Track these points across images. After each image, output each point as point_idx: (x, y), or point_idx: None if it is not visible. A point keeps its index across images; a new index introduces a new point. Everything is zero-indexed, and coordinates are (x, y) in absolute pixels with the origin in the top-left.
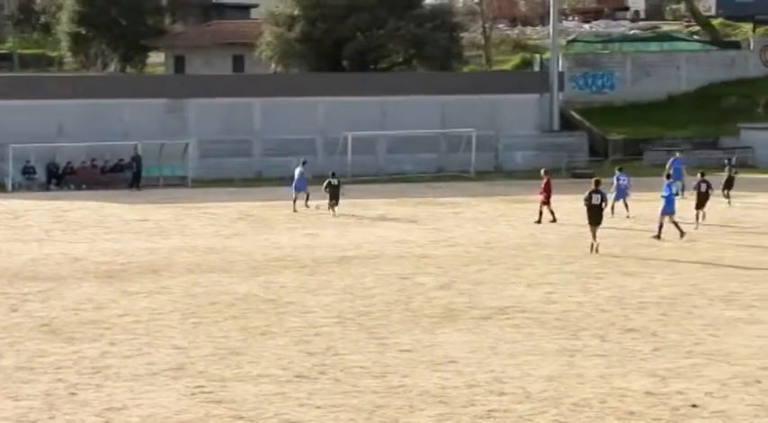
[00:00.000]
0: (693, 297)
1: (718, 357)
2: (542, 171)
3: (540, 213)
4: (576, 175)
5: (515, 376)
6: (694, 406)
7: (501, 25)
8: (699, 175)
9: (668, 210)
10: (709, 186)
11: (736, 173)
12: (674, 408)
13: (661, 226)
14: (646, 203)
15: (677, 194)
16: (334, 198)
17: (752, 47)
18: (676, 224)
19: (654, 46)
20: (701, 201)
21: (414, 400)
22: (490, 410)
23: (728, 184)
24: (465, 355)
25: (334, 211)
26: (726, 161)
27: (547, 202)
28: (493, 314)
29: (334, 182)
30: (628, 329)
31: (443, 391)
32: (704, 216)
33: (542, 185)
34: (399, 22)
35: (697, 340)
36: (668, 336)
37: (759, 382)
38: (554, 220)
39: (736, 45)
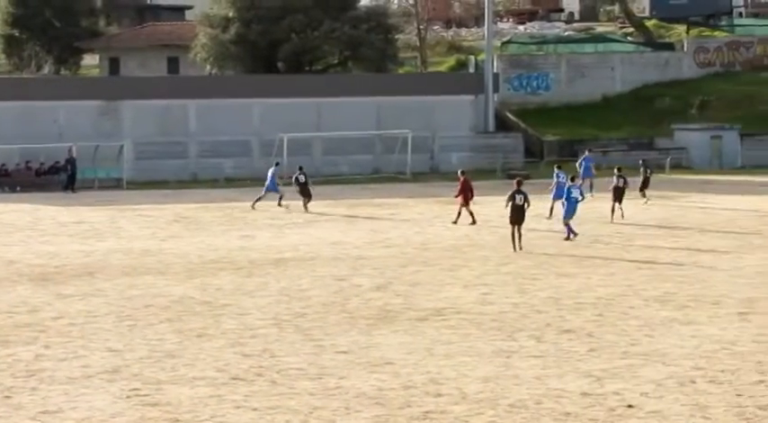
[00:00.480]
0: (629, 298)
1: (654, 358)
2: (459, 172)
3: (458, 214)
4: (511, 176)
5: (452, 377)
6: (630, 406)
7: (436, 27)
8: (616, 170)
9: (569, 214)
10: (625, 182)
11: (650, 173)
12: (611, 408)
13: (571, 226)
14: (581, 205)
15: (582, 198)
16: (304, 194)
17: (685, 48)
18: (570, 227)
19: (588, 47)
20: (618, 195)
21: (350, 402)
22: (426, 412)
23: (644, 185)
24: (401, 357)
25: (307, 207)
26: (641, 162)
27: (466, 203)
28: (429, 315)
29: (302, 178)
30: (564, 330)
31: (380, 393)
32: (622, 213)
33: (458, 186)
34: (334, 24)
35: (633, 341)
36: (604, 336)
37: (694, 382)
38: (473, 223)
39: (669, 46)
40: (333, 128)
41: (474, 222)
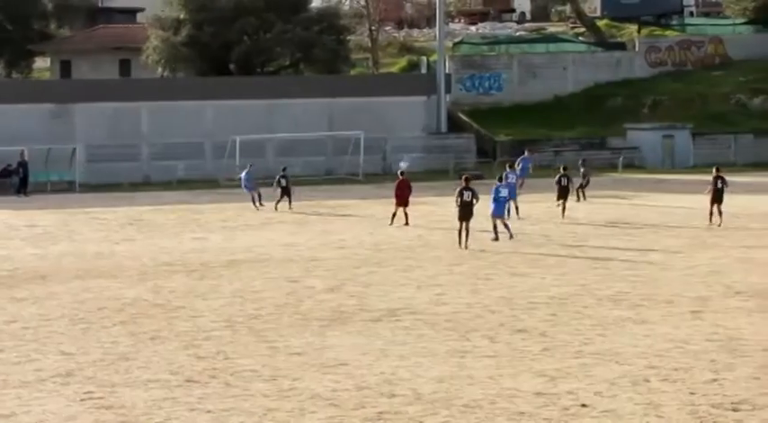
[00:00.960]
0: (582, 297)
1: (607, 357)
2: (399, 172)
3: (405, 215)
4: (466, 177)
5: (406, 378)
6: (584, 405)
7: (388, 28)
8: (561, 168)
9: (497, 212)
10: (569, 180)
11: (588, 173)
12: (564, 407)
13: (499, 225)
14: (536, 204)
15: (508, 199)
16: (285, 194)
17: (637, 48)
18: (506, 226)
19: (540, 47)
20: (563, 193)
21: (304, 403)
22: (380, 412)
23: (583, 184)
24: (355, 358)
25: (278, 206)
26: (580, 162)
27: (401, 203)
28: (383, 316)
29: (283, 182)
30: (517, 330)
31: (334, 394)
32: (563, 210)
33: (395, 185)
34: (286, 26)
35: (586, 340)
36: (558, 336)
37: (647, 380)
38: (404, 224)
39: (621, 46)
40: (285, 129)
41: (392, 224)
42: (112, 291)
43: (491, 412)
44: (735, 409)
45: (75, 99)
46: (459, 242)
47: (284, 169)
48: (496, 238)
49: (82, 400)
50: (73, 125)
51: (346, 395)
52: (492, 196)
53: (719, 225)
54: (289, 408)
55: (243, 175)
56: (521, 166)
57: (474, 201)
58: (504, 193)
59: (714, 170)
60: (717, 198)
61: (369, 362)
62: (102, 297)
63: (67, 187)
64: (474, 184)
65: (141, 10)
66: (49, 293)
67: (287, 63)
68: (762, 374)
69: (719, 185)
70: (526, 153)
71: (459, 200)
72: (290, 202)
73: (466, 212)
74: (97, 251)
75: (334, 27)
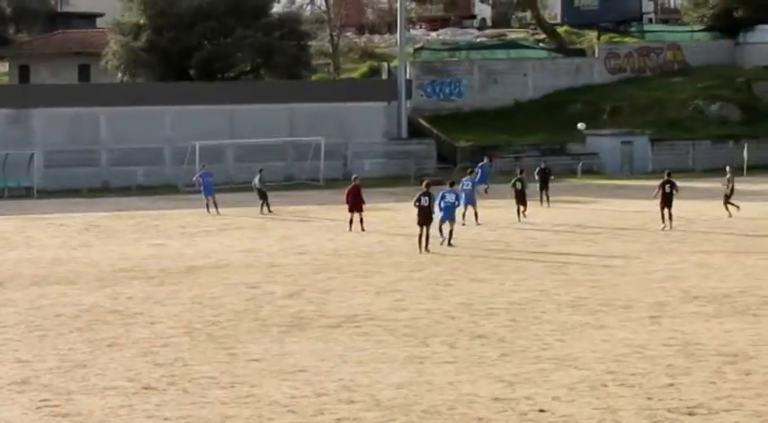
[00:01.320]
0: (541, 302)
1: (566, 362)
2: (352, 177)
3: (361, 221)
4: (427, 183)
5: (365, 384)
6: (542, 411)
7: (349, 33)
8: (518, 171)
9: (444, 217)
10: (524, 185)
11: (551, 179)
12: (522, 413)
13: (443, 231)
14: (496, 210)
15: (457, 204)
16: (263, 197)
17: (596, 54)
18: (450, 232)
19: (501, 53)
20: (521, 198)
21: (263, 410)
22: (339, 419)
23: (544, 187)
24: (314, 364)
25: (265, 209)
26: (540, 166)
27: (352, 209)
28: (342, 322)
29: (256, 183)
30: (477, 336)
31: (292, 401)
32: (518, 212)
33: (347, 191)
34: (247, 31)
35: (545, 345)
36: (516, 341)
37: (605, 385)
38: (361, 230)
39: (581, 52)
40: (245, 135)
41: (350, 229)
42: (70, 297)
43: (450, 418)
44: (691, 414)
45: (33, 104)
46: (420, 247)
47: (260, 170)
48: (445, 242)
49: (38, 407)
50: (31, 130)
51: (305, 402)
52: (437, 202)
53: (670, 228)
54: (247, 415)
55: (201, 177)
56: (479, 173)
57: (432, 207)
58: (451, 198)
59: (666, 174)
60: (666, 202)
61: (328, 368)
62: (60, 304)
63: (25, 193)
64: (436, 189)
65: (101, 15)
66: (6, 300)
67: (247, 68)
68: (718, 379)
69: (668, 190)
70: (486, 159)
71: (417, 204)
72: (265, 205)
73: (425, 217)
74: (54, 257)
75: (296, 32)
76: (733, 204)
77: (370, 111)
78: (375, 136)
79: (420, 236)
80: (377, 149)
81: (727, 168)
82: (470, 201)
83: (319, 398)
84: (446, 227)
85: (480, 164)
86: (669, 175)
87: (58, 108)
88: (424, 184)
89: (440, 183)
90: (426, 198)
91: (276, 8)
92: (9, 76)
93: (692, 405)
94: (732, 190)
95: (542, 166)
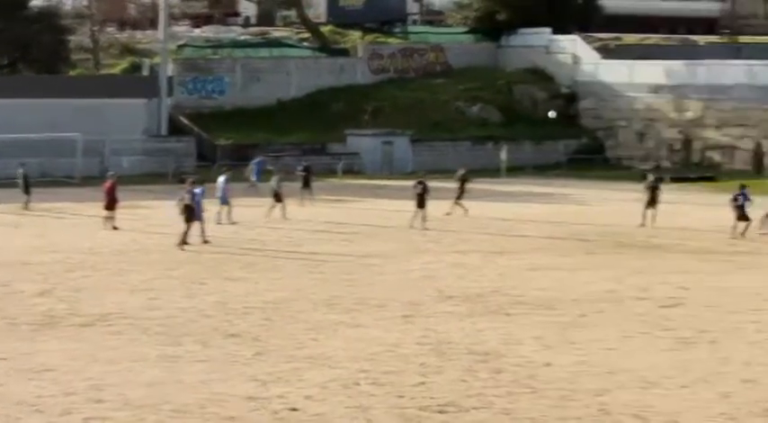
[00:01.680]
0: (297, 302)
1: (320, 361)
2: (108, 174)
3: (113, 218)
4: (183, 180)
5: (115, 383)
6: (294, 409)
7: (110, 28)
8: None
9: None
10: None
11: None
12: (274, 411)
13: (186, 233)
14: (253, 209)
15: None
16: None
17: (360, 54)
18: (203, 231)
19: (264, 52)
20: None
21: (10, 410)
22: (87, 418)
23: (306, 186)
24: (63, 363)
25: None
26: (301, 166)
27: (105, 207)
28: (94, 321)
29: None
30: (230, 335)
31: (39, 400)
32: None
33: (105, 189)
34: (4, 24)
35: (299, 344)
36: (271, 340)
37: (358, 384)
38: (115, 228)
39: (344, 52)
40: (1, 130)
41: (115, 228)
42: None
43: (201, 417)
44: (441, 411)
45: None
46: (180, 243)
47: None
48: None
49: None
50: None
51: (52, 401)
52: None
53: (424, 228)
54: None
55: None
56: (255, 169)
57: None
58: (199, 197)
59: (422, 174)
60: (419, 203)
61: (77, 367)
62: None
63: None
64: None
65: None
66: None
67: (5, 62)
68: (468, 377)
69: (420, 191)
70: (260, 156)
71: (181, 202)
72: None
73: (191, 214)
74: None
75: (55, 26)
76: (461, 206)
77: (129, 107)
78: (135, 133)
79: (185, 233)
80: (136, 147)
81: (459, 171)
82: (225, 200)
83: (67, 397)
84: (198, 224)
85: (255, 160)
86: (423, 176)
87: None
88: (189, 182)
89: (200, 182)
90: (190, 196)
91: (35, 1)
92: None
93: (443, 403)
94: (462, 191)
95: (303, 165)
